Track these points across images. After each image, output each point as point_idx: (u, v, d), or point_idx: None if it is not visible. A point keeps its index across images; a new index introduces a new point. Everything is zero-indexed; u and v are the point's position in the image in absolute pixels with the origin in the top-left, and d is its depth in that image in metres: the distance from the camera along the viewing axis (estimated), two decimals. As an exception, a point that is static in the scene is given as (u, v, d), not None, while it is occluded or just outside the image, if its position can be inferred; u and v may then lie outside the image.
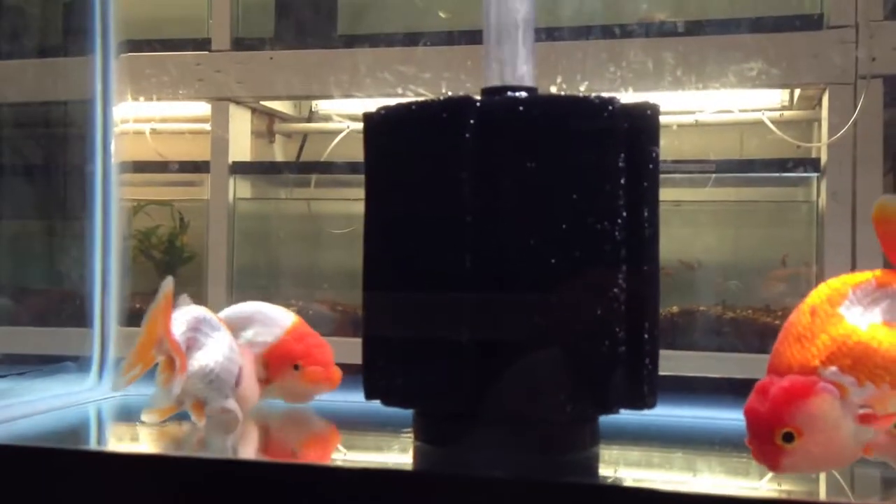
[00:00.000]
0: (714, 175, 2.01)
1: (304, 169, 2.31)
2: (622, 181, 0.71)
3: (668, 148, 2.38)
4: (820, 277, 1.91)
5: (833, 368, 0.62)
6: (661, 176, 2.32)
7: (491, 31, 0.78)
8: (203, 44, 2.19)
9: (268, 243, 2.31)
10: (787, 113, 2.06)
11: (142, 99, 2.15)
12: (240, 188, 2.23)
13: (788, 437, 0.62)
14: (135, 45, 2.20)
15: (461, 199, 0.71)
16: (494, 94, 0.77)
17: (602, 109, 0.71)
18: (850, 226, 1.86)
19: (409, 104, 0.75)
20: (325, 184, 2.29)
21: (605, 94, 0.72)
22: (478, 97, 0.74)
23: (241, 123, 2.24)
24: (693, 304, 1.98)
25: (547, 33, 1.97)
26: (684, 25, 1.97)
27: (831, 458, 0.63)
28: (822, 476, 0.72)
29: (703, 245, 2.08)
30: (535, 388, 0.71)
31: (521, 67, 0.76)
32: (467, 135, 0.71)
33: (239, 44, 2.18)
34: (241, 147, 2.24)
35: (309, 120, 2.37)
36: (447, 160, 0.72)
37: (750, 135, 2.07)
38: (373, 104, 1.77)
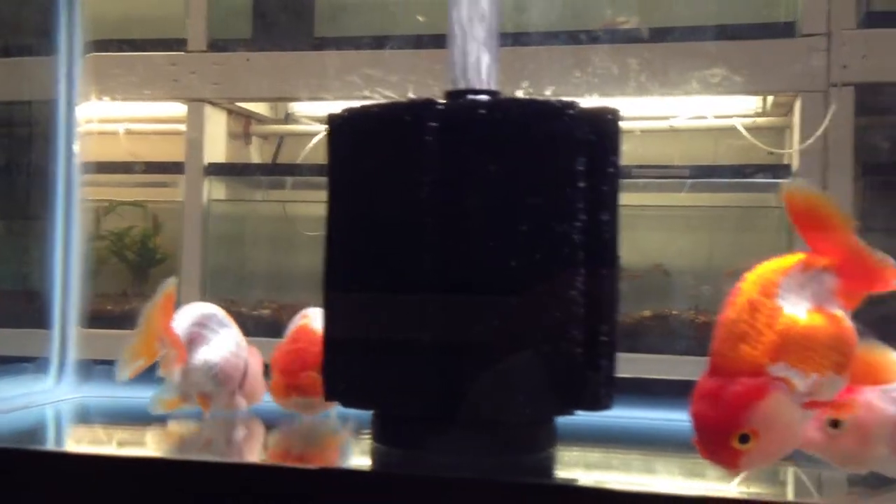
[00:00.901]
0: (690, 180, 2.03)
1: (280, 171, 2.31)
2: (582, 184, 0.72)
3: (642, 153, 2.39)
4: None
5: (781, 364, 0.63)
6: (636, 181, 2.32)
7: (455, 35, 0.79)
8: (179, 44, 2.19)
9: (242, 245, 2.31)
10: (760, 119, 2.09)
11: (106, 98, 2.14)
12: (214, 190, 2.22)
13: (745, 439, 0.63)
14: (110, 45, 2.19)
15: (422, 202, 0.72)
16: (458, 97, 0.77)
17: (562, 113, 0.73)
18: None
19: (373, 106, 0.76)
20: (301, 186, 2.29)
21: (565, 98, 0.73)
22: (441, 100, 0.75)
23: (216, 125, 2.23)
24: (666, 308, 2.00)
25: (531, 38, 1.99)
26: (658, 32, 2.00)
27: (785, 450, 0.64)
28: (790, 477, 0.73)
29: (677, 250, 2.10)
30: (493, 390, 0.72)
31: (484, 71, 0.77)
32: (429, 137, 0.72)
33: (215, 45, 2.18)
34: (217, 148, 2.23)
35: (285, 122, 2.37)
36: (409, 162, 0.72)
37: (724, 141, 2.09)
38: (349, 106, 1.74)
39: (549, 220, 0.71)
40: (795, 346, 0.63)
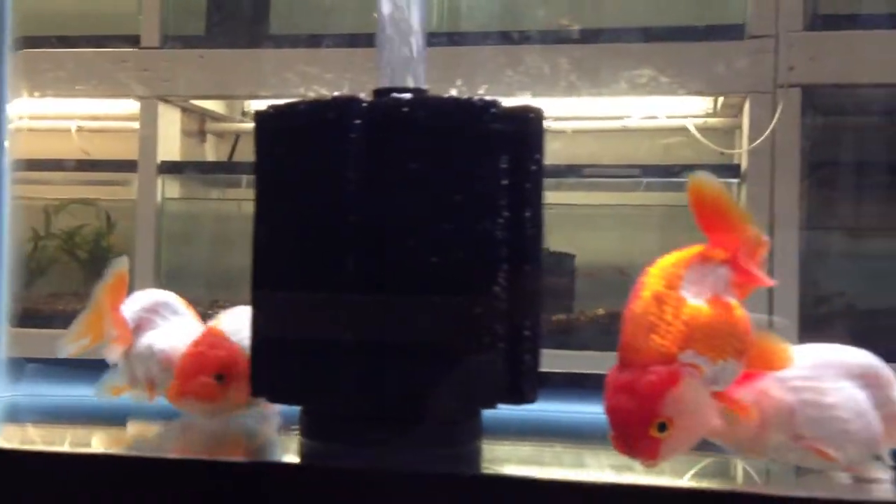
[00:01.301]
0: (645, 180, 2.07)
1: (236, 169, 2.31)
2: (504, 182, 0.74)
3: (597, 153, 2.42)
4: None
5: (689, 352, 0.65)
6: (591, 180, 2.35)
7: (384, 33, 0.80)
8: (132, 41, 2.17)
9: (197, 244, 2.30)
10: (710, 120, 2.13)
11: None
12: (168, 188, 2.21)
13: (662, 427, 0.64)
14: (62, 42, 2.17)
15: (346, 199, 0.73)
16: (385, 94, 0.79)
17: (484, 112, 0.74)
18: (769, 230, 1.93)
19: (298, 103, 0.77)
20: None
21: (487, 98, 0.75)
22: (366, 98, 0.76)
23: (170, 122, 2.22)
24: (620, 306, 2.03)
25: (491, 37, 2.01)
26: (610, 33, 2.03)
27: (699, 436, 0.66)
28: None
29: (632, 248, 2.13)
30: (416, 385, 0.73)
31: (412, 70, 0.78)
32: (353, 135, 0.73)
33: (168, 42, 2.17)
34: (171, 146, 2.22)
35: (241, 119, 2.37)
36: (333, 160, 0.73)
37: (676, 141, 2.13)
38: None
39: (471, 218, 0.73)
40: (701, 334, 0.65)
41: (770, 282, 0.69)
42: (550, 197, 2.47)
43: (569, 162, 2.10)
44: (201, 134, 2.34)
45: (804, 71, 1.90)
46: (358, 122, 0.73)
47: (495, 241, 0.74)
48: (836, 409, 0.66)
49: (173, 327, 0.87)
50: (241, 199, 2.29)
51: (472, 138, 0.73)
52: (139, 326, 0.87)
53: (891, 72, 1.87)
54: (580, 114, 2.15)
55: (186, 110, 2.27)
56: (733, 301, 0.67)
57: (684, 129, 2.08)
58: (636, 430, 0.64)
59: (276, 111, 0.78)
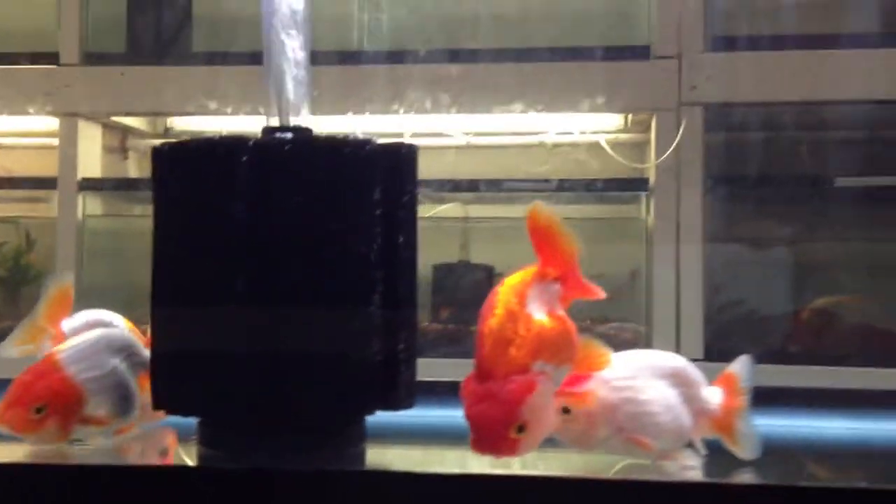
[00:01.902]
0: (563, 193, 2.21)
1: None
2: (378, 212, 0.86)
3: (512, 167, 2.56)
4: (650, 290, 2.14)
5: (539, 362, 0.77)
6: (509, 194, 2.50)
7: (271, 73, 0.91)
8: (51, 58, 2.23)
9: (120, 261, 2.36)
10: (622, 136, 2.28)
11: None
12: (90, 205, 2.27)
13: (521, 429, 0.76)
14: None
15: (235, 229, 0.84)
16: (272, 132, 0.90)
17: (360, 149, 0.86)
18: (675, 242, 2.09)
19: (191, 141, 0.87)
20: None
21: (362, 136, 0.87)
22: (253, 136, 0.87)
23: (90, 139, 2.28)
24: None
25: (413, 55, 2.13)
26: (527, 53, 2.17)
27: (547, 433, 0.78)
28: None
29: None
30: (304, 395, 0.84)
31: (296, 108, 0.90)
32: (241, 171, 0.84)
33: (89, 58, 2.23)
34: (92, 163, 2.28)
35: (164, 136, 2.44)
36: (224, 193, 0.84)
37: (590, 156, 2.28)
38: (226, 122, 1.89)
39: (349, 244, 0.85)
40: (547, 345, 0.78)
41: (602, 294, 0.82)
42: (471, 211, 2.61)
43: (488, 177, 2.23)
44: (123, 150, 2.40)
45: (705, 90, 2.07)
46: (245, 158, 0.84)
47: (371, 264, 0.85)
48: (651, 405, 0.80)
49: None
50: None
51: (349, 173, 0.85)
52: None
53: (785, 90, 2.05)
54: (499, 130, 2.29)
55: (108, 127, 2.33)
56: (562, 313, 0.80)
57: (597, 145, 2.24)
58: (499, 433, 0.76)
59: (170, 148, 0.88)
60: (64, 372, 0.89)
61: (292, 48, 0.89)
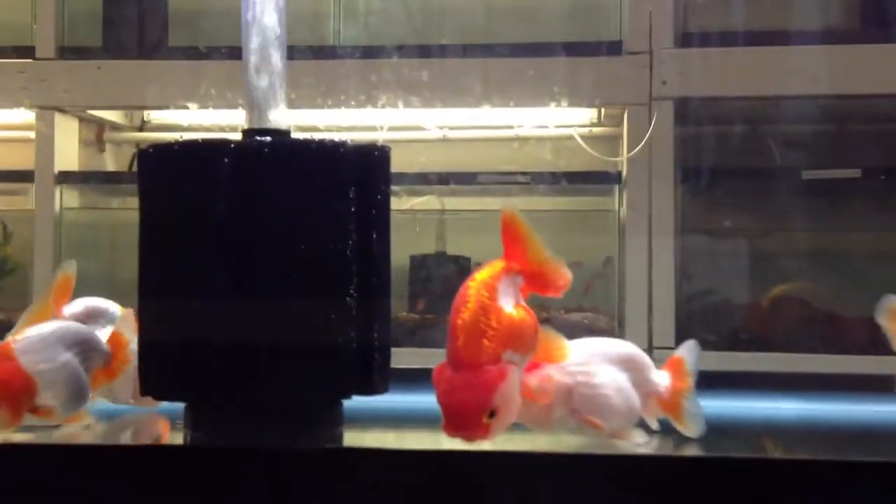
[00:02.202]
0: (538, 186, 2.29)
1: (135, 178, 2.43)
2: (352, 210, 0.93)
3: (490, 159, 2.65)
4: (622, 279, 2.23)
5: (509, 352, 0.85)
6: (485, 187, 2.60)
7: (250, 79, 0.98)
8: (27, 51, 2.27)
9: (98, 253, 2.41)
10: (595, 129, 2.37)
11: None
12: (67, 198, 2.33)
13: (492, 415, 0.84)
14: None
15: (218, 226, 0.91)
16: (252, 135, 0.97)
17: (335, 151, 0.93)
18: (647, 233, 2.18)
19: (174, 143, 0.94)
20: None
21: (338, 139, 0.94)
22: (234, 139, 0.94)
23: (67, 132, 2.33)
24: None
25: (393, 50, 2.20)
26: (502, 48, 2.25)
27: (514, 417, 0.86)
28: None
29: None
30: (284, 381, 0.92)
31: (274, 112, 0.97)
32: (223, 172, 0.91)
33: (65, 53, 2.28)
34: (68, 156, 2.33)
35: (141, 129, 2.49)
36: (206, 193, 0.92)
37: (565, 149, 2.37)
38: (205, 115, 1.97)
39: (326, 240, 0.92)
40: (516, 336, 0.85)
41: (560, 293, 0.90)
42: (448, 203, 2.70)
43: (465, 169, 2.32)
44: (100, 143, 2.46)
45: (675, 85, 2.16)
46: (227, 160, 0.92)
47: (347, 258, 0.93)
48: (603, 388, 0.88)
49: (106, 333, 1.04)
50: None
51: (325, 174, 0.93)
52: None
53: (752, 85, 2.14)
54: (474, 124, 2.36)
55: (84, 120, 2.39)
56: (525, 305, 0.88)
57: (571, 138, 2.32)
58: (473, 419, 0.83)
59: (155, 150, 0.95)
60: (16, 361, 0.92)
61: (271, 58, 0.96)
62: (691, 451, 0.90)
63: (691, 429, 0.92)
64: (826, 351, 1.98)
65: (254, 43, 0.97)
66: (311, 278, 0.92)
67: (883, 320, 0.96)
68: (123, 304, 2.42)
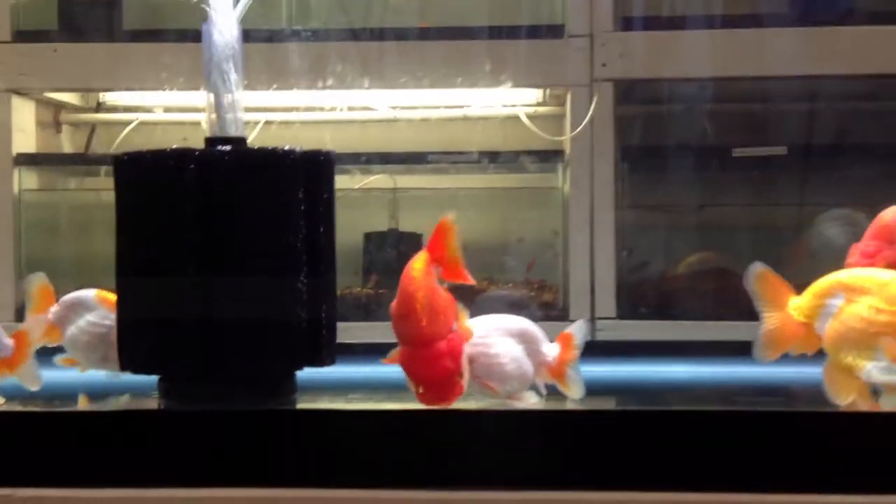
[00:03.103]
0: (488, 163, 2.51)
1: (93, 159, 2.61)
2: (302, 208, 1.15)
3: (440, 139, 2.88)
4: (566, 254, 2.47)
5: (455, 325, 1.08)
6: (435, 165, 2.85)
7: (210, 92, 1.18)
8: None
9: (58, 234, 2.59)
10: (540, 109, 2.59)
11: None
12: (26, 180, 2.49)
13: (461, 376, 1.06)
14: None
15: (185, 226, 1.12)
16: (213, 143, 1.17)
17: (286, 158, 1.14)
18: (589, 209, 2.42)
19: (147, 152, 1.15)
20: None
21: (287, 147, 1.15)
22: (197, 148, 1.15)
23: (24, 114, 2.49)
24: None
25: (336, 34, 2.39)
26: (450, 31, 2.45)
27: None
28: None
29: (472, 227, 2.59)
30: (245, 354, 1.14)
31: (232, 123, 1.18)
32: (189, 177, 1.12)
33: (21, 36, 2.43)
34: (26, 138, 2.50)
35: (97, 110, 2.66)
36: (175, 197, 1.12)
37: (512, 128, 2.58)
38: (157, 97, 2.21)
39: (279, 234, 1.13)
40: (454, 312, 1.09)
41: (472, 280, 1.13)
42: (400, 182, 2.95)
43: (415, 149, 2.53)
44: (57, 125, 2.62)
45: (615, 67, 2.38)
46: (192, 166, 1.12)
47: (297, 250, 1.15)
48: (499, 357, 1.11)
49: (85, 322, 1.26)
50: (101, 189, 2.60)
51: (277, 178, 1.14)
52: (62, 321, 1.28)
53: (689, 67, 2.37)
54: (426, 104, 2.57)
55: (41, 102, 2.54)
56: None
57: (517, 118, 2.54)
58: (452, 384, 1.05)
59: (129, 157, 1.16)
60: None
61: (229, 73, 1.16)
62: (571, 407, 1.14)
63: (574, 393, 1.16)
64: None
65: (213, 58, 1.17)
66: (267, 267, 1.13)
67: (750, 285, 1.18)
68: (82, 282, 2.61)
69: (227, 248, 1.11)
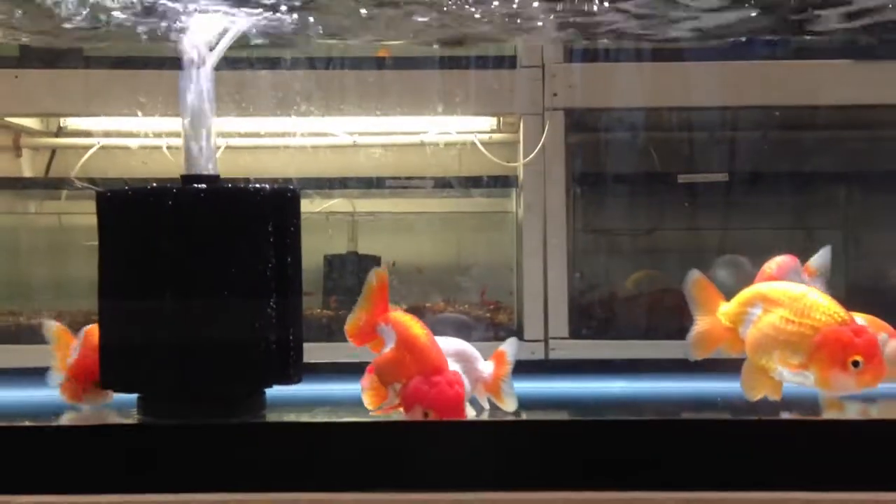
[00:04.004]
0: (445, 189, 2.70)
1: (53, 183, 2.75)
2: (270, 240, 1.32)
3: (398, 164, 3.08)
4: (520, 276, 2.66)
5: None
6: (393, 190, 3.06)
7: (187, 135, 1.35)
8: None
9: (18, 257, 2.73)
10: (495, 136, 2.79)
11: None
12: (-15, 203, 2.63)
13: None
14: None
15: (163, 257, 1.28)
16: (189, 181, 1.34)
17: (256, 195, 1.32)
18: (542, 232, 2.62)
19: (129, 189, 1.31)
20: (76, 197, 2.73)
21: (258, 185, 1.32)
22: (175, 186, 1.32)
23: (-15, 139, 2.63)
24: (420, 301, 2.67)
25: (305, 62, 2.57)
26: (408, 61, 2.64)
27: None
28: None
29: (427, 250, 2.78)
30: (216, 374, 1.30)
31: (206, 162, 1.35)
32: (167, 212, 1.29)
33: (-17, 60, 2.57)
34: (-14, 162, 2.63)
35: (57, 135, 2.80)
36: (153, 231, 1.29)
37: (467, 154, 2.78)
38: (119, 122, 2.40)
39: (248, 265, 1.30)
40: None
41: None
42: (359, 206, 3.16)
43: (374, 174, 2.71)
44: (17, 149, 2.75)
45: (565, 97, 2.60)
46: (170, 202, 1.29)
47: (266, 277, 1.32)
48: None
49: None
50: (62, 213, 2.74)
51: (248, 213, 1.31)
52: None
53: (634, 97, 2.59)
54: (386, 130, 2.76)
55: (1, 126, 2.68)
56: None
57: (473, 145, 2.74)
58: (462, 403, 1.25)
59: (112, 194, 1.32)
60: None
61: (204, 119, 1.33)
62: (504, 417, 1.33)
63: (507, 406, 1.34)
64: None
65: (190, 106, 1.34)
66: (239, 294, 1.30)
67: (687, 290, 1.38)
68: (40, 304, 2.73)
69: (202, 277, 1.28)
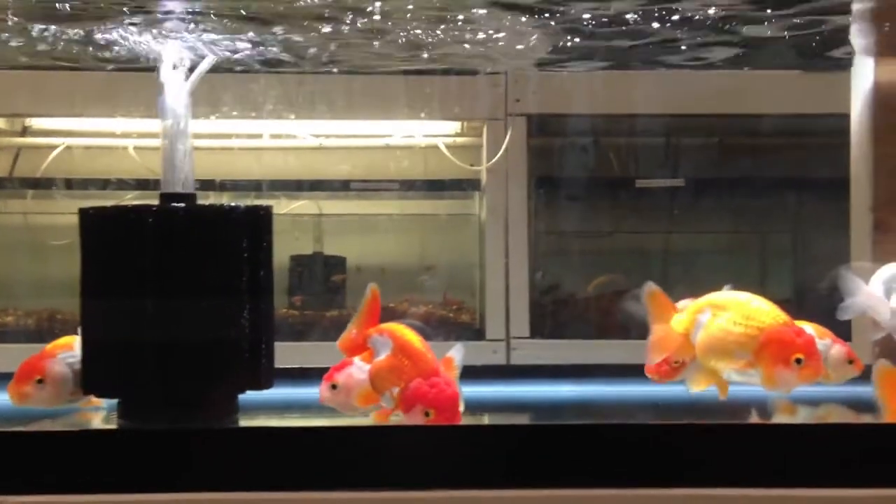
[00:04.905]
0: (409, 191, 2.85)
1: (18, 183, 2.85)
2: (244, 255, 1.46)
3: (363, 167, 3.24)
4: (483, 277, 2.82)
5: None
6: (358, 192, 3.25)
7: (165, 154, 1.48)
8: None
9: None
10: (459, 140, 2.95)
11: None
12: (-49, 203, 2.73)
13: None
14: None
15: (143, 273, 1.42)
16: (168, 199, 1.48)
17: (231, 213, 1.46)
18: (504, 234, 2.78)
19: (111, 207, 1.44)
20: (42, 197, 2.84)
21: (232, 203, 1.46)
22: (154, 204, 1.45)
23: (-49, 139, 2.72)
24: (383, 301, 2.81)
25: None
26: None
27: None
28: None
29: (395, 251, 2.93)
30: (194, 379, 1.44)
31: (184, 181, 1.48)
32: (147, 229, 1.42)
33: (-52, 61, 2.66)
34: (-48, 163, 2.73)
35: (23, 134, 2.90)
36: (134, 247, 1.42)
37: (432, 157, 2.93)
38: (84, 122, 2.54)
39: (224, 277, 1.44)
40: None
41: None
42: (324, 207, 3.34)
43: (339, 176, 2.85)
44: (-19, 149, 2.85)
45: (527, 103, 2.76)
46: (150, 220, 1.42)
47: (240, 290, 1.46)
48: None
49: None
50: (28, 212, 2.85)
51: (223, 230, 1.45)
52: None
53: (595, 104, 2.75)
54: (351, 134, 2.90)
55: (-34, 127, 2.78)
56: None
57: (437, 148, 2.89)
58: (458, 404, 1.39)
59: (95, 211, 1.45)
60: None
61: (182, 137, 1.47)
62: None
63: None
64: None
65: (168, 125, 1.47)
66: (214, 305, 1.44)
67: (643, 302, 1.54)
68: (11, 303, 2.82)
69: (180, 289, 1.41)
